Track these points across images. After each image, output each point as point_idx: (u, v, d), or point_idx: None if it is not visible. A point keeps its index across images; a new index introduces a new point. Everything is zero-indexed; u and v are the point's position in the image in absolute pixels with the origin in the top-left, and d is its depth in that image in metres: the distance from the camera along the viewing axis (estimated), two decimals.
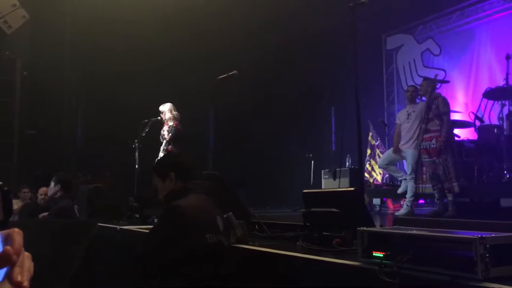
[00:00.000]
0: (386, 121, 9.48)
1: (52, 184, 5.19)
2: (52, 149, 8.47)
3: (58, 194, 5.23)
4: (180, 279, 2.41)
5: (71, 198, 5.40)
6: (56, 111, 8.74)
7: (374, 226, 2.61)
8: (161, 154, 6.28)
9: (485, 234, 1.69)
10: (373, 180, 8.69)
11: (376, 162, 8.57)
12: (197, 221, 2.52)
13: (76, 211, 5.35)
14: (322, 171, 8.33)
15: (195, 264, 2.44)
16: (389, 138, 8.61)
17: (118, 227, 4.40)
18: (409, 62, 10.37)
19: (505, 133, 6.10)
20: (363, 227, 2.18)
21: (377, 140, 8.97)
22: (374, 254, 2.02)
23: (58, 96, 8.74)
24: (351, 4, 4.30)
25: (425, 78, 6.07)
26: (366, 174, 8.68)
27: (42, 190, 6.35)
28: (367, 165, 8.84)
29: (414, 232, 1.95)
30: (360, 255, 2.12)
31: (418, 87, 6.35)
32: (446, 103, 5.53)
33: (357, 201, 2.85)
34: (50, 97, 8.53)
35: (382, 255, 1.97)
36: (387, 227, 2.36)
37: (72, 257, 4.30)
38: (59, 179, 5.25)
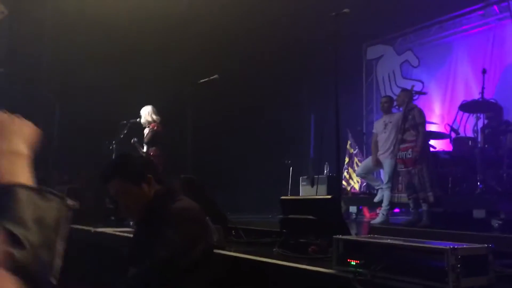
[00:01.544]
0: (364, 130, 9.59)
1: None
2: None
3: None
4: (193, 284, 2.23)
5: None
6: (33, 109, 8.58)
7: (350, 234, 2.64)
8: None
9: (457, 245, 1.72)
10: (351, 188, 8.76)
11: (354, 171, 8.64)
12: (204, 223, 2.41)
13: None
14: (301, 178, 8.37)
15: (208, 267, 2.33)
16: (367, 147, 8.71)
17: (92, 229, 4.34)
18: (389, 73, 10.52)
19: (479, 145, 6.23)
20: (339, 235, 2.20)
21: (356, 148, 9.05)
22: (348, 262, 2.05)
23: (36, 93, 8.58)
24: (334, 13, 4.36)
25: (403, 89, 6.18)
26: (343, 182, 8.74)
27: None
28: (345, 173, 8.90)
29: (389, 241, 1.98)
30: (335, 263, 2.14)
31: (393, 97, 6.46)
32: (422, 114, 5.63)
33: (334, 209, 2.88)
34: (27, 94, 8.37)
35: (356, 263, 2.00)
36: (362, 236, 2.39)
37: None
38: (37, 178, 5.13)
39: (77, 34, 7.94)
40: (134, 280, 2.17)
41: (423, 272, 1.76)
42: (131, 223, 4.15)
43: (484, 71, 6.28)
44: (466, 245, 1.76)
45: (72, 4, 7.87)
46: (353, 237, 2.33)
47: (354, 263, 2.01)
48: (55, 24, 8.32)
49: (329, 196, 3.06)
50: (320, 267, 2.27)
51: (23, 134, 0.86)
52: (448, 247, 1.68)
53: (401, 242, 1.95)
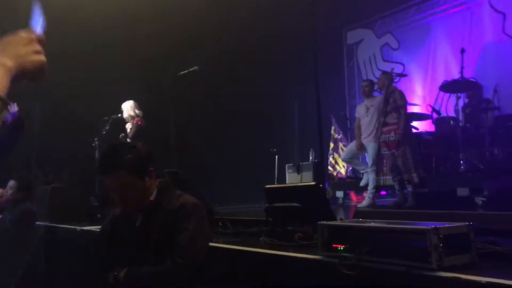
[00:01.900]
0: (348, 115, 9.62)
1: (12, 185, 5.00)
2: None
3: (18, 197, 5.04)
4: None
5: (31, 200, 5.23)
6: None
7: (335, 219, 2.65)
8: None
9: (439, 225, 1.74)
10: (337, 173, 8.81)
11: (339, 156, 8.69)
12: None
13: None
14: (286, 165, 8.38)
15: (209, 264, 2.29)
16: (351, 132, 8.75)
17: (78, 228, 4.30)
18: (369, 57, 10.56)
19: (460, 124, 6.30)
20: (324, 220, 2.21)
21: (340, 133, 9.09)
22: (334, 247, 2.06)
23: (14, 92, 8.42)
24: None
25: (383, 72, 6.20)
26: (329, 168, 8.78)
27: None
28: (331, 159, 8.94)
29: (372, 224, 2.00)
30: (320, 249, 2.14)
31: (373, 81, 6.49)
32: (403, 97, 5.66)
33: (318, 195, 2.89)
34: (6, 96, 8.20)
35: (341, 248, 2.01)
36: (346, 220, 2.40)
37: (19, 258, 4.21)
38: (19, 180, 5.07)
39: (52, 31, 7.79)
40: (163, 277, 2.05)
41: (407, 253, 1.77)
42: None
43: (462, 51, 6.32)
44: (447, 224, 1.77)
45: (45, 0, 7.70)
46: (337, 222, 2.34)
47: (339, 248, 2.02)
48: (29, 21, 8.15)
49: (313, 183, 3.07)
50: (307, 253, 2.28)
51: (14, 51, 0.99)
52: (429, 227, 1.69)
53: (384, 225, 1.96)
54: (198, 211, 2.20)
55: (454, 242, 1.73)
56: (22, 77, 1.00)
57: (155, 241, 2.14)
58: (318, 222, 2.18)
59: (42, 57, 1.03)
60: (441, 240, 1.68)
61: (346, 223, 2.19)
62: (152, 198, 2.22)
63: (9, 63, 0.99)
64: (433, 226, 1.69)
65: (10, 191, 5.03)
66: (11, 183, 5.00)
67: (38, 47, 0.99)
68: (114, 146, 2.27)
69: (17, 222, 4.75)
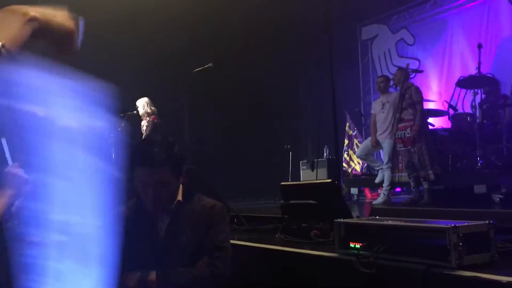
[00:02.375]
0: (362, 111, 9.56)
1: None
2: None
3: None
4: None
5: None
6: None
7: (351, 217, 2.64)
8: None
9: (459, 223, 1.72)
10: (352, 170, 8.76)
11: (354, 152, 8.64)
12: None
13: None
14: (301, 162, 8.36)
15: None
16: (365, 128, 8.70)
17: None
18: (384, 52, 10.46)
19: (477, 121, 6.20)
20: (340, 218, 2.20)
21: (354, 130, 9.04)
22: (351, 245, 2.05)
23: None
24: None
25: (398, 68, 6.14)
26: (344, 164, 8.74)
27: None
28: (345, 155, 8.90)
29: (390, 222, 1.98)
30: (337, 246, 2.14)
31: (389, 77, 6.43)
32: (418, 92, 5.60)
33: (334, 192, 2.87)
34: None
35: (358, 246, 2.00)
36: (363, 218, 2.38)
37: None
38: None
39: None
40: (209, 279, 2.02)
41: (425, 251, 1.76)
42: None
43: (480, 46, 6.23)
44: (467, 222, 1.75)
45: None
46: (354, 220, 2.33)
47: (356, 246, 2.01)
48: None
49: (329, 180, 3.06)
50: (323, 251, 2.28)
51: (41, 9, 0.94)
52: (449, 225, 1.67)
53: (402, 223, 1.94)
54: (226, 212, 2.23)
55: (474, 241, 1.70)
56: (47, 35, 0.91)
57: (185, 242, 2.07)
58: (335, 220, 2.17)
59: (71, 24, 0.96)
60: (461, 238, 1.66)
61: (364, 220, 2.18)
62: (179, 198, 2.15)
63: (32, 13, 0.92)
64: (452, 225, 1.67)
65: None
66: None
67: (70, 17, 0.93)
68: (158, 141, 2.11)
69: None
